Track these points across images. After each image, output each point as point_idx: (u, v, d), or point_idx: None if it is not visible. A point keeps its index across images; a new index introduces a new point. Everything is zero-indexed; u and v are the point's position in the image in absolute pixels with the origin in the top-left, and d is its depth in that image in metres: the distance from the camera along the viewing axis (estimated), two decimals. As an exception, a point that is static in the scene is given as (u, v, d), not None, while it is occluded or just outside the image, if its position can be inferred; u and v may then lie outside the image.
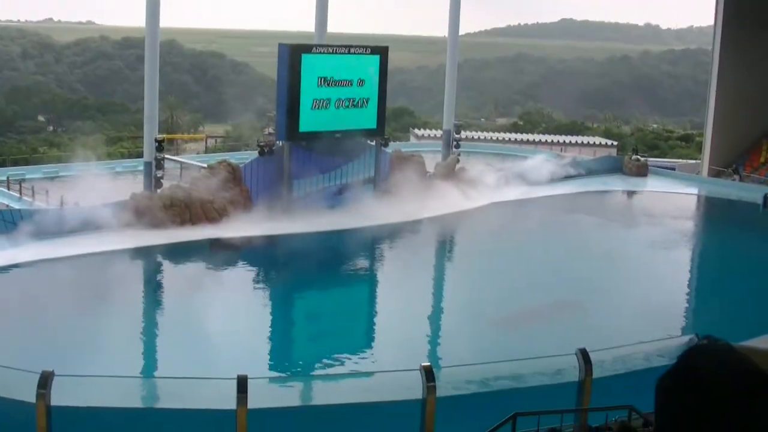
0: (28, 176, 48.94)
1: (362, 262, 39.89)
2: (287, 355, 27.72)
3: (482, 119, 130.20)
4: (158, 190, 41.74)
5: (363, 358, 26.00)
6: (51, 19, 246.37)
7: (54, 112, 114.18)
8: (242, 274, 36.70)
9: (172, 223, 39.76)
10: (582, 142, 77.59)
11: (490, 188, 50.46)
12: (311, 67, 43.50)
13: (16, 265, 34.32)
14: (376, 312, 33.03)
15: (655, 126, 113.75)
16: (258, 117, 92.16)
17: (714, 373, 2.49)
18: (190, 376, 18.69)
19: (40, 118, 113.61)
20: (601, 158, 63.91)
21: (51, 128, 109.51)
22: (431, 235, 43.83)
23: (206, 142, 76.15)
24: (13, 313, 28.70)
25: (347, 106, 45.28)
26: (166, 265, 38.11)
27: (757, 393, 2.45)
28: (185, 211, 40.46)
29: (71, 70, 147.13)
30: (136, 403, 19.01)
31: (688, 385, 2.51)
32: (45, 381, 14.78)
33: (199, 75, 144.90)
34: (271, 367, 25.52)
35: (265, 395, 17.36)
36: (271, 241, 40.01)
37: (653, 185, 57.67)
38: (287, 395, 20.70)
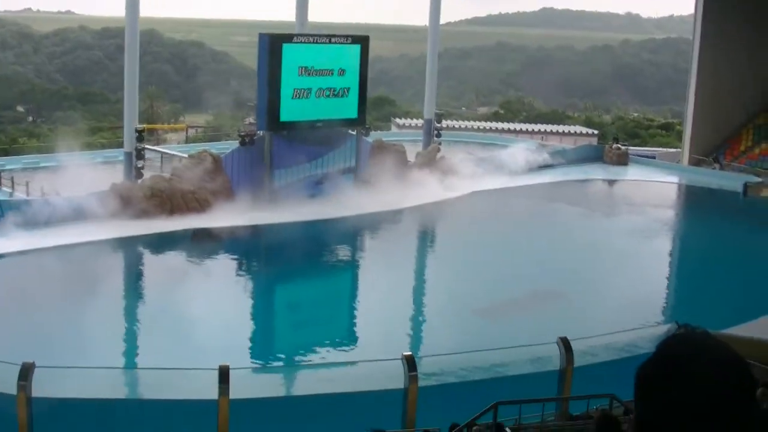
0: (7, 167, 48.67)
1: (343, 252, 39.88)
2: (269, 345, 27.71)
3: (463, 108, 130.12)
4: (139, 181, 41.60)
5: (345, 347, 26.01)
6: (30, 9, 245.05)
7: (33, 102, 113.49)
8: (224, 264, 36.64)
9: (153, 214, 39.60)
10: (563, 131, 77.63)
11: (471, 177, 50.46)
12: (292, 56, 43.42)
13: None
14: (358, 302, 33.03)
15: (635, 115, 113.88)
16: (238, 107, 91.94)
17: (694, 362, 2.50)
18: (171, 367, 18.66)
19: (20, 108, 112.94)
20: (582, 147, 64.02)
21: (30, 119, 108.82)
22: (412, 225, 43.88)
23: (187, 132, 75.85)
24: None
25: (328, 96, 45.23)
26: (147, 256, 37.95)
27: (740, 382, 2.46)
28: (166, 201, 40.33)
29: (50, 60, 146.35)
30: (118, 394, 18.98)
31: (668, 374, 2.52)
32: (26, 372, 14.75)
33: (179, 65, 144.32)
34: (253, 358, 25.50)
35: (247, 385, 17.36)
36: (253, 231, 40.00)
37: (633, 174, 57.84)
38: (269, 385, 20.71)
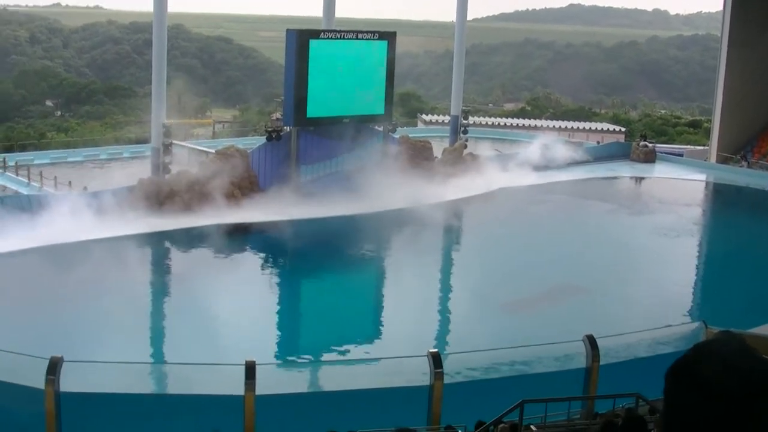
0: (36, 161, 48.91)
1: (368, 248, 39.81)
2: (296, 340, 27.76)
3: (490, 104, 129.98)
4: (166, 176, 41.66)
5: (371, 343, 26.03)
6: (59, 4, 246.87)
7: (62, 96, 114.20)
8: (250, 259, 36.73)
9: (180, 209, 39.68)
10: (590, 128, 77.39)
11: (498, 174, 50.38)
12: (319, 52, 43.46)
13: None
14: (384, 297, 33.06)
15: (663, 112, 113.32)
16: (266, 102, 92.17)
17: (717, 373, 2.47)
18: (197, 362, 18.72)
19: (48, 102, 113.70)
20: (609, 144, 63.80)
21: (59, 113, 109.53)
22: (438, 221, 43.71)
23: (214, 127, 76.10)
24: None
25: (354, 92, 45.23)
26: (174, 252, 38.00)
27: (759, 394, 2.43)
28: (193, 196, 40.41)
29: (79, 54, 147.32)
30: (145, 388, 19.06)
31: (690, 383, 2.50)
32: (54, 367, 14.84)
33: (206, 59, 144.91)
34: (279, 353, 25.54)
35: (274, 381, 17.40)
36: (280, 226, 40.00)
37: (661, 171, 57.61)
38: (295, 381, 20.76)
